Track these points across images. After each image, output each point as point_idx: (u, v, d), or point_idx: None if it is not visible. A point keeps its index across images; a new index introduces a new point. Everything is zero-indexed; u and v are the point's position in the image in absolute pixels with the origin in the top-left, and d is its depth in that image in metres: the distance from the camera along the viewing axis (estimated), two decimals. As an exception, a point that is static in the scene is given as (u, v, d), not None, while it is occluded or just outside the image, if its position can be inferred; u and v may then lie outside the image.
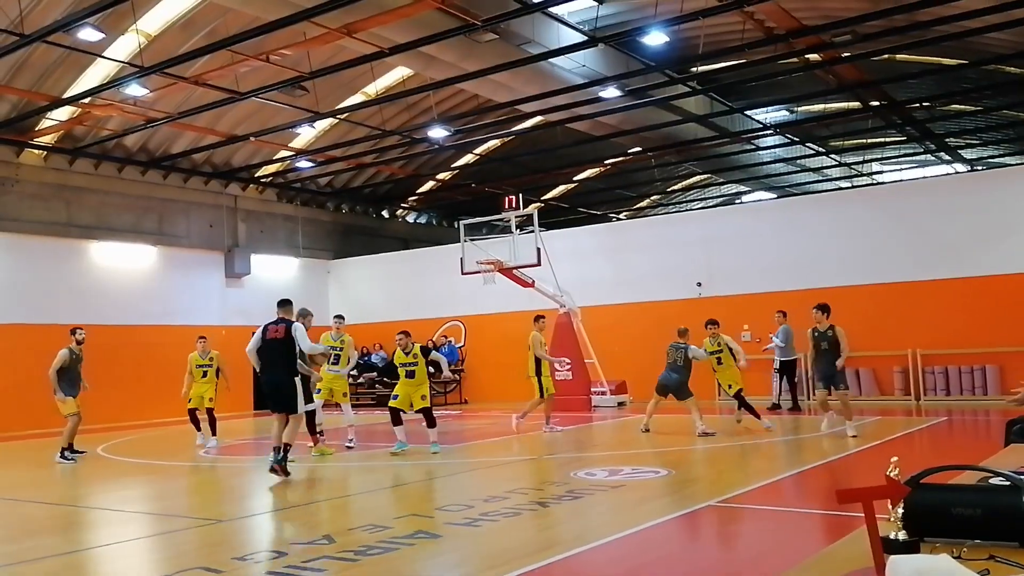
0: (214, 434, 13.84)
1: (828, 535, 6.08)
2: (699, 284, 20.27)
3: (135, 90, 15.86)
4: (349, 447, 12.64)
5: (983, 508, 1.84)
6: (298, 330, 9.64)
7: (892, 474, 1.79)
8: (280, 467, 9.29)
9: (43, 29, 13.68)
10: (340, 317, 13.62)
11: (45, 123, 18.80)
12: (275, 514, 8.35)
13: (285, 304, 10.09)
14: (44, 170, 19.96)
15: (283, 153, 22.56)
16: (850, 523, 6.00)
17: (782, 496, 8.12)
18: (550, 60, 16.56)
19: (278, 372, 9.62)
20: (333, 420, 14.26)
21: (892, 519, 1.79)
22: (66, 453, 12.40)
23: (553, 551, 5.80)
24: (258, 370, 9.91)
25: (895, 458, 1.82)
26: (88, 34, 13.70)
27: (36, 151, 19.63)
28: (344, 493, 9.24)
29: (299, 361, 10.39)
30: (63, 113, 18.32)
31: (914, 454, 10.47)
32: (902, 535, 1.79)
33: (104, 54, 16.04)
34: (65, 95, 17.18)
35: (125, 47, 16.10)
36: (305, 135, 21.79)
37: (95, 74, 17.43)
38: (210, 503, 9.15)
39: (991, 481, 2.03)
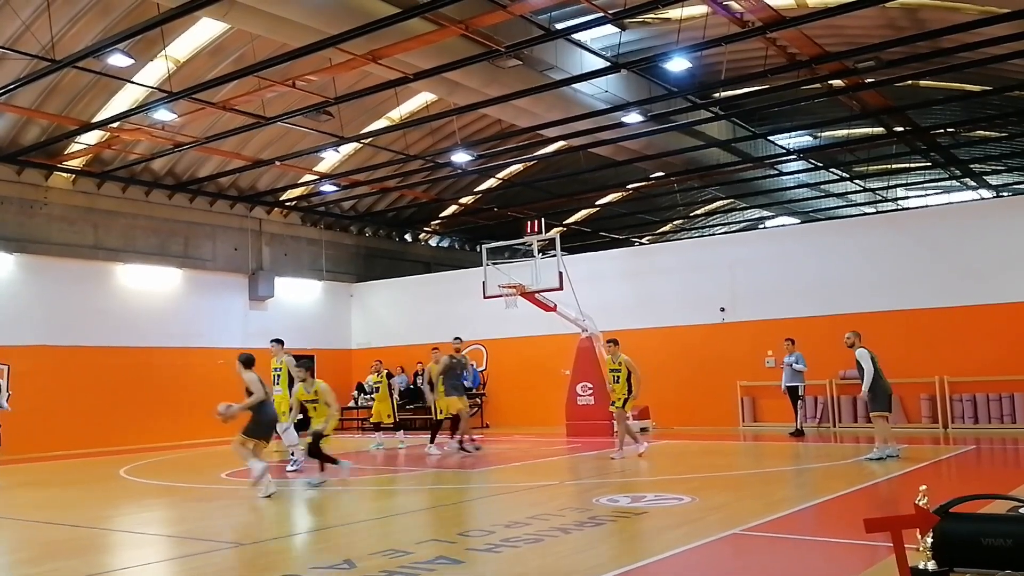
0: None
1: (855, 565, 5.99)
2: (722, 309, 20.18)
3: (163, 115, 16.07)
4: (292, 470, 12.56)
5: (1014, 538, 1.80)
6: None
7: (921, 503, 1.77)
8: None
9: (74, 55, 13.89)
10: (278, 341, 13.68)
11: (74, 147, 19.06)
12: (295, 538, 8.34)
13: None
14: (72, 193, 20.22)
15: (308, 177, 22.76)
16: (878, 553, 5.91)
17: (807, 524, 8.01)
18: (573, 86, 16.64)
19: None
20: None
21: (921, 549, 1.77)
22: None
23: (575, 578, 5.75)
24: None
25: (924, 487, 1.80)
26: (118, 60, 13.90)
27: (65, 174, 19.89)
28: (365, 517, 9.20)
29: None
30: (92, 137, 18.58)
31: (942, 483, 10.32)
32: (931, 565, 1.76)
33: (133, 79, 16.29)
34: (94, 120, 17.42)
35: (154, 72, 16.33)
36: (329, 159, 21.97)
37: (124, 99, 17.68)
38: (231, 526, 9.15)
39: (1021, 511, 2.00)
